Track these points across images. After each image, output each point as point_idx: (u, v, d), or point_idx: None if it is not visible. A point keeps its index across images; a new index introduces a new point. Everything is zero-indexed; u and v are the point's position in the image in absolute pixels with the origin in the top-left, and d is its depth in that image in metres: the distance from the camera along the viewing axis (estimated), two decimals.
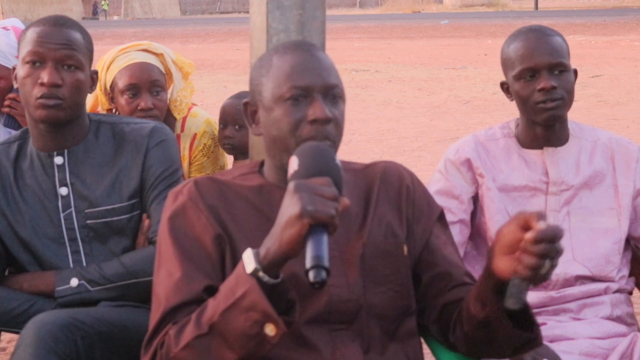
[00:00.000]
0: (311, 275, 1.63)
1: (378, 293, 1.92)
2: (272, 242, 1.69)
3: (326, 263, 1.63)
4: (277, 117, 1.88)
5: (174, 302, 1.82)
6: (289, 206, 1.66)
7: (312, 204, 1.64)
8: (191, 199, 1.90)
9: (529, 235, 1.63)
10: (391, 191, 2.01)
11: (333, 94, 1.90)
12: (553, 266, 1.65)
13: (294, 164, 1.75)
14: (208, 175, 2.01)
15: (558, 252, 1.64)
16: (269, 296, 1.70)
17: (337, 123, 1.89)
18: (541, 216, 1.64)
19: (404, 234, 1.98)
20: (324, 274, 1.63)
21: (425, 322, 2.00)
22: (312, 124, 1.86)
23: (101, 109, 3.22)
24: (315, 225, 1.64)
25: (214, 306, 1.74)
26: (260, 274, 1.69)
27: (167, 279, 1.85)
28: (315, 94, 1.87)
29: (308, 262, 1.63)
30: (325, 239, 1.65)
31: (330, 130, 1.87)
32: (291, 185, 1.69)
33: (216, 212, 1.89)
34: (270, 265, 1.70)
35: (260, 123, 1.94)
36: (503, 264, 1.70)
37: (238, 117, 3.29)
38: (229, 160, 3.51)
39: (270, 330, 1.69)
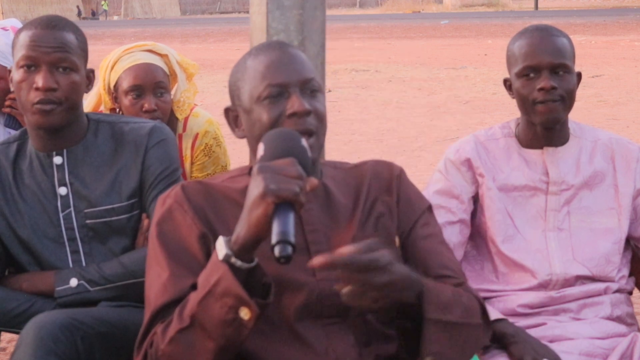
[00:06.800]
0: (276, 250, 1.63)
1: None
2: (241, 226, 1.71)
3: (292, 238, 1.63)
4: (257, 116, 1.91)
5: (162, 301, 1.84)
6: (254, 188, 1.69)
7: (275, 183, 1.66)
8: (177, 201, 1.92)
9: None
10: (382, 185, 2.02)
11: (310, 87, 1.92)
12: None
13: (260, 150, 1.78)
14: (196, 180, 2.03)
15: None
16: (245, 281, 1.72)
17: (317, 114, 1.91)
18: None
19: (394, 225, 1.99)
20: (289, 248, 1.63)
21: None
22: (291, 117, 1.88)
23: (104, 109, 3.22)
24: (281, 204, 1.66)
25: (193, 298, 1.77)
26: (233, 259, 1.72)
27: (155, 281, 1.88)
28: (291, 89, 1.90)
29: (273, 238, 1.64)
30: (291, 216, 1.66)
31: (311, 122, 1.89)
32: (255, 168, 1.71)
33: (202, 212, 1.91)
34: (241, 250, 1.72)
35: (242, 126, 1.97)
36: None
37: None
38: (230, 160, 3.51)
39: (244, 314, 1.71)
